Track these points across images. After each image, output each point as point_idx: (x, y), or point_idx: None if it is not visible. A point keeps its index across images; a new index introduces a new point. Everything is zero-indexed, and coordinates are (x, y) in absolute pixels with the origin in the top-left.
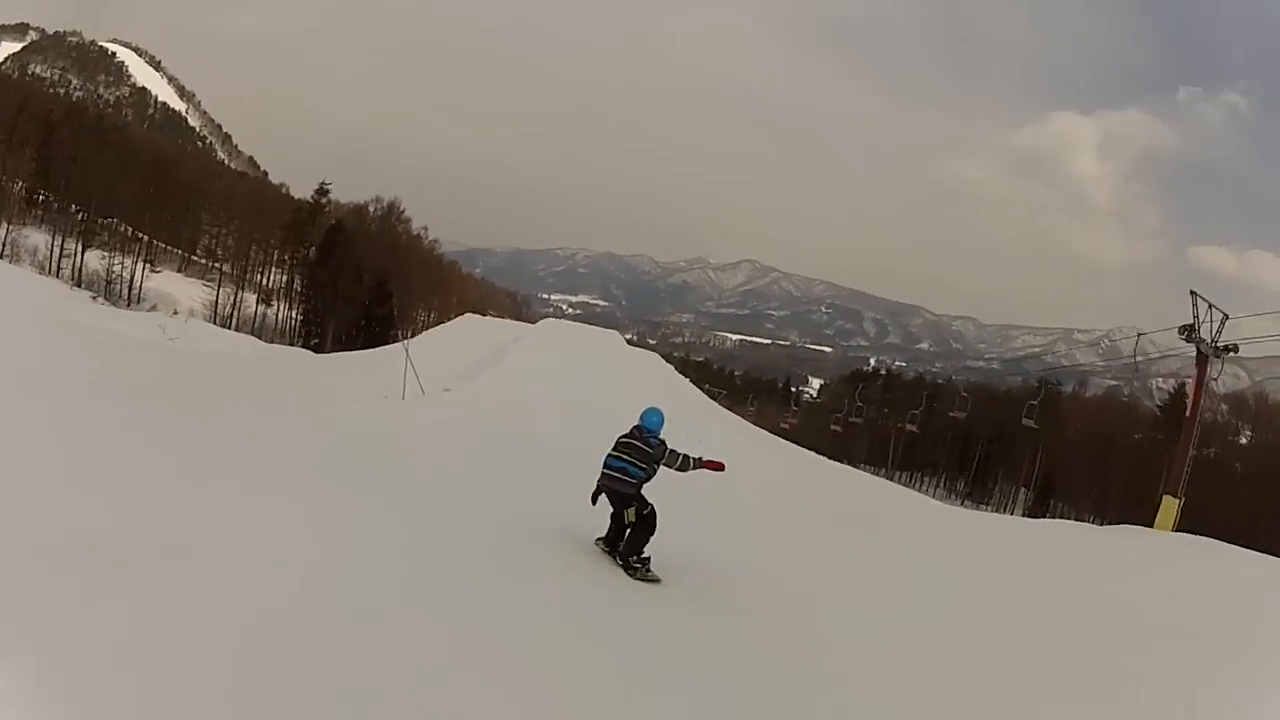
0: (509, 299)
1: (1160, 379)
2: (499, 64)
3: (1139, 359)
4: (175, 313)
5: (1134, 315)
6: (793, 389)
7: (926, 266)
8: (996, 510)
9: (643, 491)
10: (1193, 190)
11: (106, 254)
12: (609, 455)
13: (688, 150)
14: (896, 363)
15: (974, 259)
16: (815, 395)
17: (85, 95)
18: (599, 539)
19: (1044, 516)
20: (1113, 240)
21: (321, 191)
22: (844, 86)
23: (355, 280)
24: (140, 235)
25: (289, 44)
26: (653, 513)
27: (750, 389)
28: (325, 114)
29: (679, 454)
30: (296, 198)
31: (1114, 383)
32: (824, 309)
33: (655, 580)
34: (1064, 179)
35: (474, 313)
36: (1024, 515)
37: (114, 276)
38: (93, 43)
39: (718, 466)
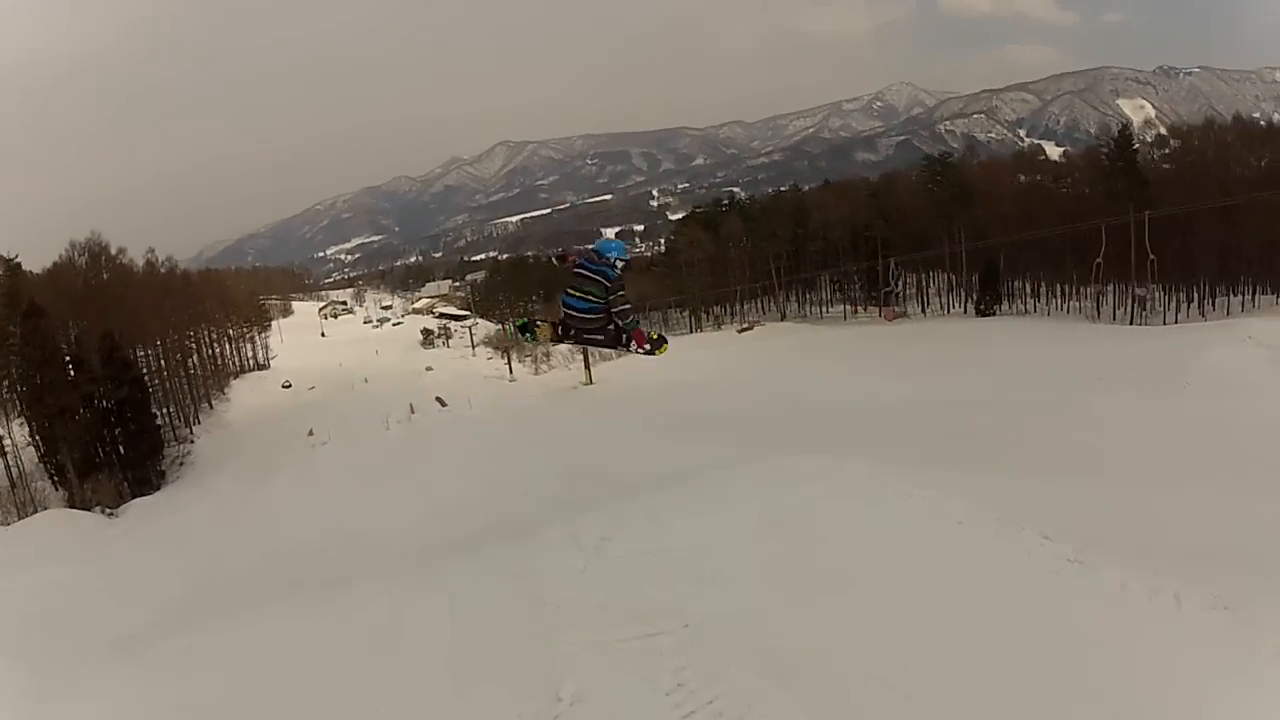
0: (285, 276)
1: (947, 122)
2: (197, 57)
3: (917, 111)
4: None
5: (898, 72)
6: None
7: (679, 88)
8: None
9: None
10: None
11: None
12: (564, 293)
13: (407, 60)
14: (680, 185)
15: (724, 68)
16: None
17: None
18: None
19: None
20: (857, 11)
21: (9, 269)
22: None
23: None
24: None
25: None
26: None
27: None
28: None
29: (627, 302)
30: None
31: (901, 138)
32: (590, 160)
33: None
34: None
35: (254, 308)
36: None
37: None
38: None
39: (643, 341)
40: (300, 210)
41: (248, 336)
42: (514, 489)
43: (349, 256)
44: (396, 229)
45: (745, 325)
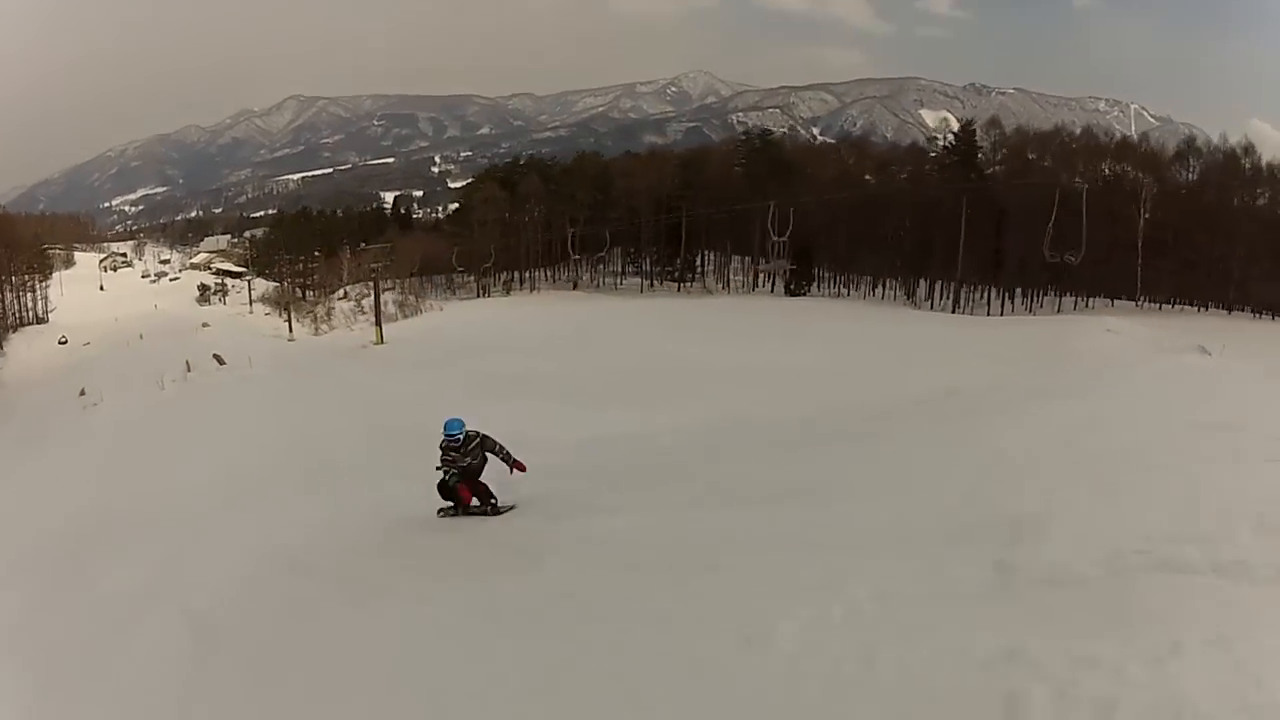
0: (73, 223)
1: (741, 113)
2: None
3: (711, 100)
4: None
5: (697, 60)
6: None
7: (472, 55)
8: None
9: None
10: None
11: None
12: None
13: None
14: (463, 154)
15: (517, 35)
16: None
17: None
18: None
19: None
20: None
21: None
22: None
23: None
24: None
25: None
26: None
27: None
28: None
29: (494, 442)
30: None
31: (691, 124)
32: (376, 122)
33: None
34: None
35: (40, 255)
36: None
37: None
38: None
39: (521, 467)
40: (93, 156)
41: (29, 286)
42: (311, 452)
43: (133, 208)
44: (181, 180)
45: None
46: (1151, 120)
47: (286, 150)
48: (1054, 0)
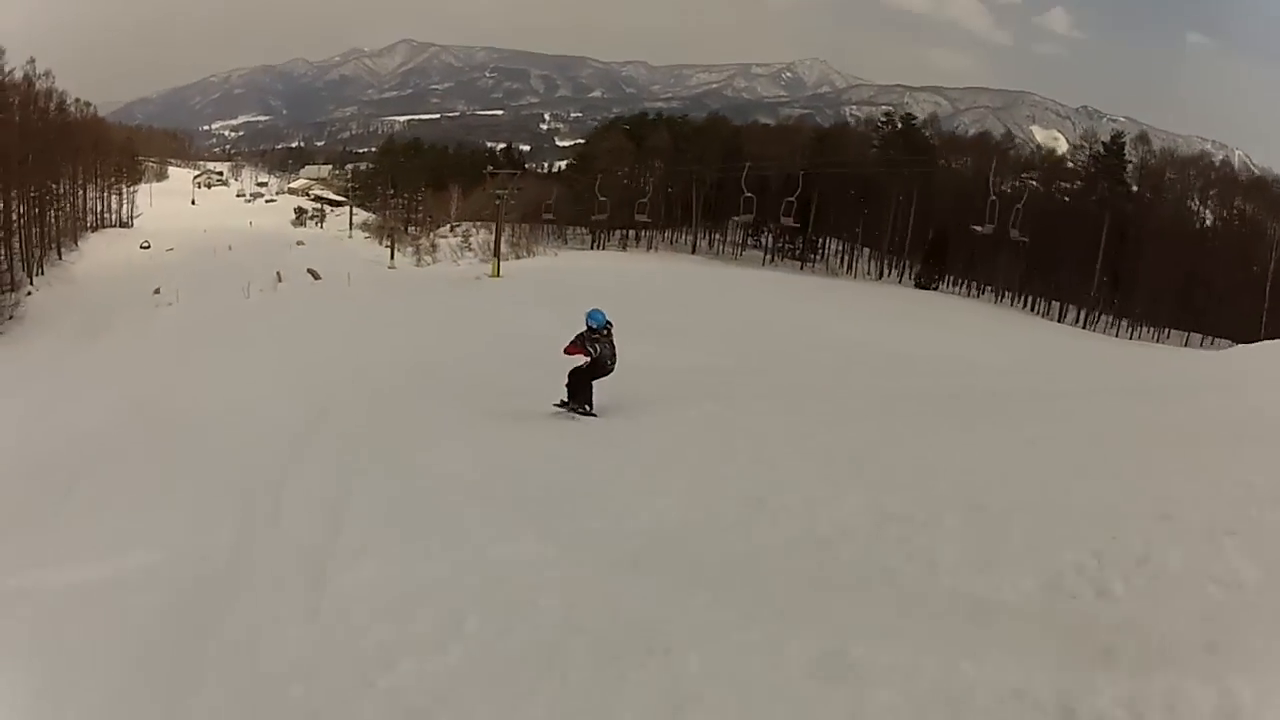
0: (169, 139)
1: (854, 106)
2: None
3: (825, 90)
4: None
5: (816, 48)
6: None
7: (588, 14)
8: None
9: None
10: None
11: None
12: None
13: None
14: (573, 114)
15: (636, 1)
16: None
17: None
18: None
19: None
20: None
21: None
22: None
23: None
24: None
25: None
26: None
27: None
28: None
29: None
30: None
31: (804, 111)
32: (488, 74)
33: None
34: None
35: (130, 160)
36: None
37: None
38: None
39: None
40: (195, 80)
41: (115, 188)
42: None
43: (233, 134)
44: (285, 111)
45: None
46: (1255, 169)
47: (395, 92)
48: (1168, 34)
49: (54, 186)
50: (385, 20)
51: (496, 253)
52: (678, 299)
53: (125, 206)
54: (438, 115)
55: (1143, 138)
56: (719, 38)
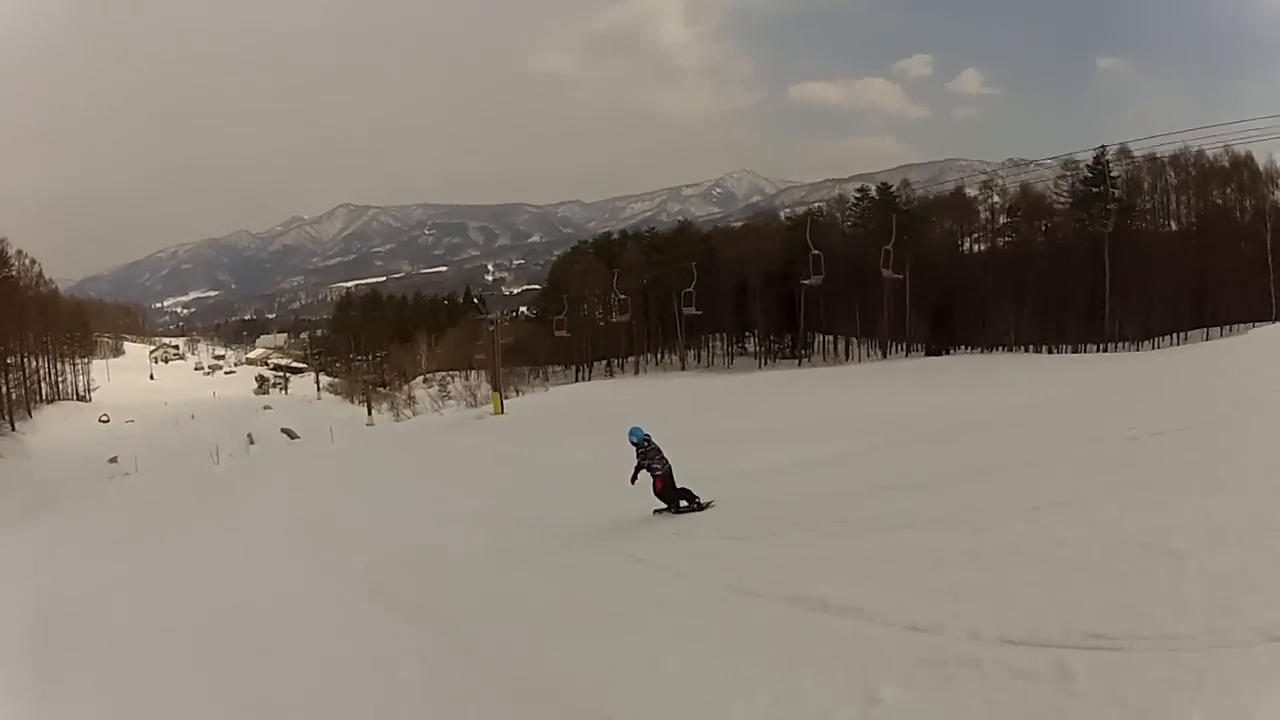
0: (123, 314)
1: (787, 209)
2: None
3: (756, 198)
4: None
5: (742, 159)
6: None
7: (521, 164)
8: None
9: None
10: (791, 36)
11: None
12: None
13: (255, 111)
14: (515, 262)
15: (566, 144)
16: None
17: None
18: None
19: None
20: (706, 96)
21: None
22: (403, 7)
23: None
24: None
25: None
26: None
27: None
28: None
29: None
30: None
31: (738, 224)
32: (427, 231)
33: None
34: (650, 49)
35: (83, 330)
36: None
37: None
38: None
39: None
40: (143, 256)
41: (68, 359)
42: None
43: (185, 310)
44: (234, 286)
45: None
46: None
47: (338, 258)
48: (1079, 64)
49: (2, 354)
50: (323, 185)
51: (497, 388)
52: (716, 405)
53: (81, 379)
54: (383, 278)
55: (1123, 152)
56: (647, 166)
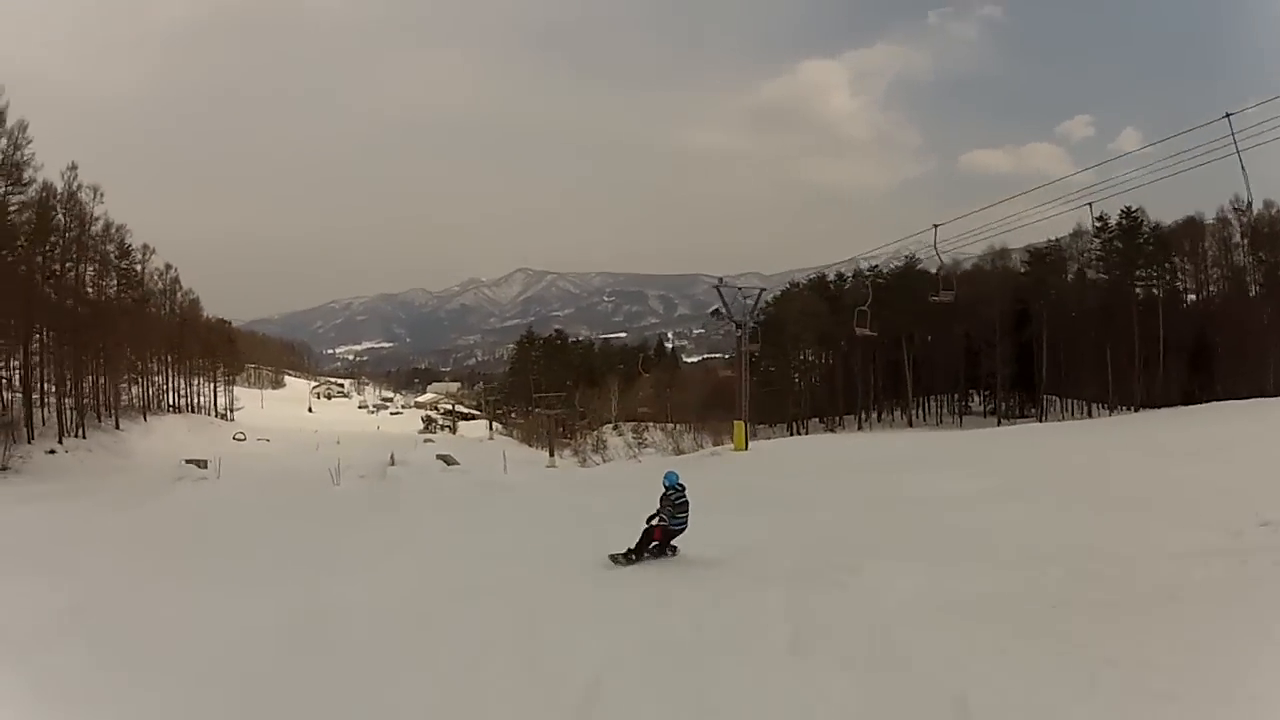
0: (286, 349)
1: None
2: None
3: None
4: None
5: (918, 225)
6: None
7: (697, 235)
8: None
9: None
10: (956, 103)
11: None
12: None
13: (438, 179)
14: (695, 330)
15: (742, 217)
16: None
17: None
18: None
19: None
20: (876, 166)
21: None
22: (577, 89)
23: None
24: None
25: None
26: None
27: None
28: None
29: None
30: None
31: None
32: (606, 297)
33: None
34: (818, 122)
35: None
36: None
37: None
38: None
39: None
40: (317, 304)
41: (209, 378)
42: None
43: (358, 358)
44: (408, 340)
45: None
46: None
47: (516, 320)
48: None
49: (134, 359)
50: (501, 253)
51: (744, 418)
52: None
53: (223, 398)
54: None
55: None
56: (825, 238)
